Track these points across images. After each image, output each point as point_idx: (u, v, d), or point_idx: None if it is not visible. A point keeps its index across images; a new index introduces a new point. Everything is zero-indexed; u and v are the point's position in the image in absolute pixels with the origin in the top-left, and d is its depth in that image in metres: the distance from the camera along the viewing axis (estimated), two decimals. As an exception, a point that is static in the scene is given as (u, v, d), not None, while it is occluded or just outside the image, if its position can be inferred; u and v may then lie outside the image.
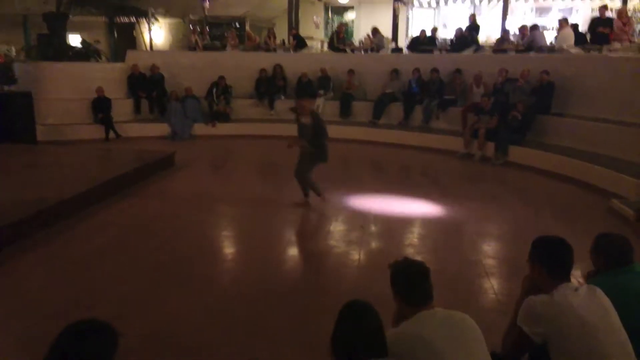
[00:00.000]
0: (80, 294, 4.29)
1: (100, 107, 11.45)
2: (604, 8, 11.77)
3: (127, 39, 18.10)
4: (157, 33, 19.06)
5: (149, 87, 12.48)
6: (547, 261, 2.46)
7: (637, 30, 15.99)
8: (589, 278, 2.81)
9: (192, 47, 13.97)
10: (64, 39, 14.23)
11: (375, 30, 14.21)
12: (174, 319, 3.91)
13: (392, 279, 2.38)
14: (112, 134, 11.35)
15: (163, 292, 4.34)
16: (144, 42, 17.89)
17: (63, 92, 11.71)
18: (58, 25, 13.73)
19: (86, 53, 14.75)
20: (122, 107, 12.07)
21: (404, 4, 18.11)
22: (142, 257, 5.11)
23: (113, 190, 7.05)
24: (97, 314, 1.95)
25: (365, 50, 14.24)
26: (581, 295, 2.34)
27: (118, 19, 16.28)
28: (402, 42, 17.21)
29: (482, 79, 11.00)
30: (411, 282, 2.32)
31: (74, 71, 12.22)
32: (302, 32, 16.23)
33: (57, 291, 4.35)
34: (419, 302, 2.28)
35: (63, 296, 4.24)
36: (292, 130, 11.90)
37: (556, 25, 13.26)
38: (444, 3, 19.93)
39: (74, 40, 16.92)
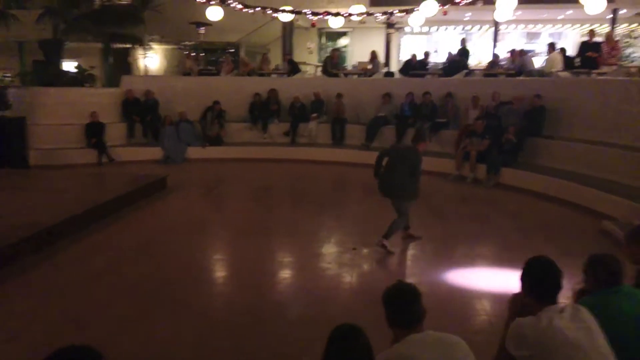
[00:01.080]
0: (70, 317, 4.25)
1: (94, 131, 11.48)
2: (592, 33, 12.01)
3: (122, 65, 18.24)
4: (152, 59, 19.24)
5: (143, 111, 12.55)
6: (534, 285, 2.47)
7: (624, 54, 16.33)
8: (578, 297, 2.81)
9: (187, 73, 14.09)
10: (59, 65, 14.34)
11: (373, 55, 14.36)
12: (163, 344, 3.87)
13: (383, 302, 2.38)
14: (105, 158, 11.36)
15: (153, 317, 4.30)
16: (139, 67, 18.05)
17: (57, 117, 11.75)
18: (54, 52, 13.85)
19: (81, 78, 14.86)
20: (115, 132, 12.11)
21: (396, 29, 18.41)
22: (133, 281, 5.07)
23: (105, 214, 7.03)
24: (87, 338, 1.94)
25: (359, 75, 14.41)
26: (566, 316, 2.33)
27: (113, 45, 16.44)
28: (395, 67, 17.46)
29: (480, 101, 11.06)
30: (400, 304, 2.32)
31: (68, 96, 12.27)
32: (296, 57, 16.44)
33: (48, 315, 4.30)
34: (409, 325, 2.28)
35: (54, 320, 4.20)
36: (284, 153, 12.05)
37: (545, 49, 13.50)
38: (435, 29, 20.28)
39: (69, 66, 17.06)
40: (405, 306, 2.31)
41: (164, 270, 5.38)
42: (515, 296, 2.68)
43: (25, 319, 4.24)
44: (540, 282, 2.45)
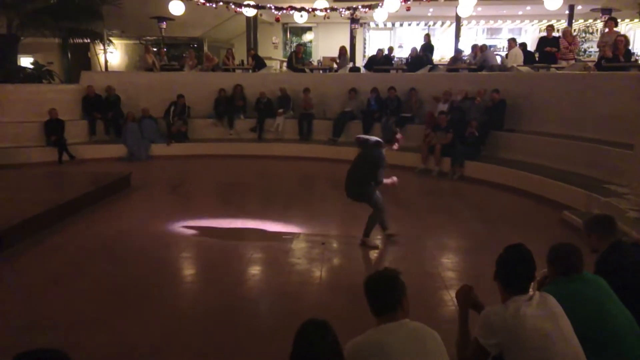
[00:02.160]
0: (33, 320, 4.13)
1: (54, 129, 11.15)
2: (550, 28, 12.32)
3: (82, 60, 17.75)
4: (113, 54, 18.80)
5: (104, 108, 12.26)
6: (505, 273, 2.51)
7: (581, 49, 16.84)
8: (540, 285, 2.89)
9: (149, 68, 13.82)
10: (15, 61, 13.87)
11: (342, 50, 14.32)
12: (132, 343, 3.80)
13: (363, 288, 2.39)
14: (65, 156, 11.04)
15: (120, 317, 4.22)
16: (99, 63, 17.60)
17: (14, 114, 11.36)
18: (9, 47, 13.39)
19: (38, 75, 14.40)
20: (76, 129, 11.79)
21: (361, 25, 18.49)
22: (98, 281, 4.96)
23: (67, 213, 6.84)
24: (51, 342, 1.89)
25: (324, 70, 14.42)
26: (534, 304, 2.38)
27: (72, 40, 15.98)
28: (360, 62, 17.54)
29: (451, 96, 11.15)
30: (375, 291, 2.33)
31: (26, 93, 11.89)
32: (261, 52, 16.34)
33: (9, 318, 4.17)
34: (382, 312, 2.29)
35: (16, 323, 4.07)
36: (251, 149, 11.97)
37: (506, 45, 13.79)
38: (399, 24, 20.47)
39: (27, 62, 16.50)
40: (377, 293, 2.32)
41: (129, 269, 5.28)
42: (463, 288, 2.79)
43: (-15, 323, 4.09)
44: (511, 271, 2.49)
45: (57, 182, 9.22)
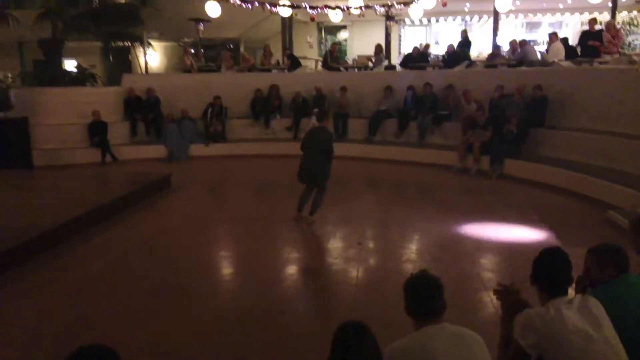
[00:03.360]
0: (78, 317, 4.28)
1: (97, 130, 11.49)
2: (593, 21, 11.95)
3: (123, 63, 18.23)
4: (152, 56, 19.22)
5: (145, 109, 12.57)
6: (544, 276, 2.48)
7: (626, 42, 16.26)
8: (579, 285, 2.83)
9: (187, 70, 14.08)
10: (59, 65, 14.33)
11: (378, 48, 14.29)
12: (171, 340, 3.90)
13: (404, 290, 2.38)
14: (108, 158, 11.37)
15: (161, 315, 4.33)
16: (139, 65, 18.03)
17: (59, 116, 11.75)
18: (54, 51, 13.84)
19: (82, 78, 14.85)
20: (118, 130, 12.12)
21: (396, 22, 18.34)
22: (140, 279, 5.10)
23: (110, 214, 7.05)
24: (95, 338, 1.96)
25: (359, 69, 14.38)
26: (575, 307, 2.35)
27: (113, 44, 16.43)
28: (395, 59, 17.40)
29: (472, 95, 11.05)
30: (422, 294, 2.31)
31: (70, 96, 12.28)
32: (296, 52, 16.41)
33: (55, 315, 4.33)
34: (427, 315, 2.28)
35: (62, 320, 4.22)
36: (287, 149, 12.05)
37: (546, 39, 13.43)
38: (435, 20, 20.21)
39: (70, 65, 17.05)
40: (426, 296, 2.30)
41: (169, 268, 5.40)
42: (506, 292, 2.74)
43: (33, 321, 4.26)
44: (551, 274, 2.46)
45: (100, 182, 9.51)
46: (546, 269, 2.49)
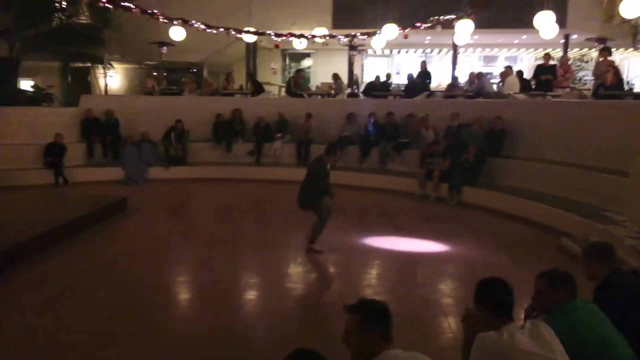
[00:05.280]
0: (28, 342, 4.07)
1: (54, 152, 11.13)
2: (547, 56, 12.50)
3: (82, 84, 17.86)
4: (113, 78, 18.94)
5: (103, 131, 12.30)
6: (493, 304, 2.55)
7: (577, 77, 17.04)
8: (527, 313, 2.89)
9: (149, 92, 13.91)
10: (15, 84, 13.94)
11: (336, 76, 14.58)
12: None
13: (367, 317, 2.35)
14: (61, 180, 11.02)
15: (113, 341, 4.16)
16: (99, 86, 17.72)
17: (13, 137, 11.36)
18: (10, 71, 13.48)
19: (38, 98, 14.46)
20: (74, 152, 11.77)
21: (359, 52, 18.72)
22: (95, 305, 4.90)
23: (62, 236, 6.78)
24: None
25: (322, 95, 14.54)
26: (526, 331, 2.41)
27: (73, 64, 16.12)
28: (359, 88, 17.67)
29: (429, 122, 11.31)
30: (384, 317, 2.33)
31: (25, 116, 11.92)
32: (260, 77, 16.48)
33: (6, 342, 4.10)
34: (388, 338, 2.28)
35: (11, 347, 4.00)
36: (249, 173, 11.99)
37: (502, 72, 13.93)
38: (397, 51, 20.73)
39: (26, 85, 16.60)
40: (385, 322, 2.31)
41: (127, 293, 5.22)
42: (467, 314, 2.80)
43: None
44: (498, 301, 2.55)
45: (52, 204, 9.18)
46: (495, 295, 2.57)
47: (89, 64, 16.23)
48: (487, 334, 2.42)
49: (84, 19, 15.08)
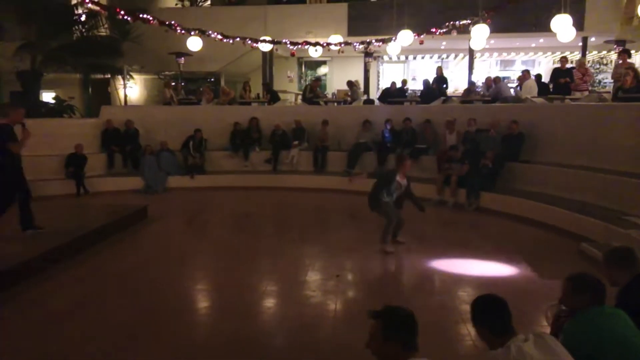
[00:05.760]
0: (46, 352, 4.14)
1: (75, 163, 11.34)
2: (564, 59, 12.38)
3: (102, 95, 18.20)
4: (132, 89, 19.24)
5: (123, 141, 12.51)
6: (494, 322, 2.52)
7: (596, 80, 16.85)
8: (557, 320, 2.86)
9: (168, 102, 14.12)
10: (37, 96, 14.26)
11: (351, 83, 14.61)
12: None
13: (393, 320, 2.38)
14: (82, 190, 11.20)
15: (137, 351, 4.22)
16: (119, 97, 18.02)
17: (35, 148, 11.53)
18: (32, 83, 13.79)
19: (59, 109, 14.77)
20: (95, 162, 11.99)
21: (375, 58, 18.75)
22: (116, 314, 4.97)
23: (84, 246, 6.91)
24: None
25: (339, 102, 14.59)
26: (532, 343, 2.39)
27: (93, 76, 16.44)
28: (374, 94, 17.72)
29: (454, 125, 11.27)
30: (412, 328, 2.37)
31: (47, 127, 12.15)
32: (277, 86, 16.60)
33: (22, 350, 4.18)
34: (413, 348, 2.32)
35: (28, 356, 4.08)
36: (266, 181, 12.06)
37: (520, 76, 13.84)
38: (412, 57, 20.70)
39: (48, 97, 16.94)
40: (411, 331, 2.35)
41: (146, 302, 5.29)
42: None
43: (2, 355, 4.11)
44: (498, 318, 2.52)
45: (74, 214, 9.33)
46: (495, 313, 2.54)
47: (108, 76, 16.57)
48: (496, 352, 2.42)
49: (103, 31, 15.39)
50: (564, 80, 11.62)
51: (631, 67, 10.38)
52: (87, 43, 14.79)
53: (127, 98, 17.46)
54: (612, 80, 12.18)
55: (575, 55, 16.94)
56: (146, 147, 12.16)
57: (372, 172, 7.18)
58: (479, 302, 2.61)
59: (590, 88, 12.51)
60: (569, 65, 12.23)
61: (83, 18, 14.63)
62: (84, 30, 14.91)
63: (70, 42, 14.62)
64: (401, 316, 2.38)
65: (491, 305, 2.57)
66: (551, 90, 12.09)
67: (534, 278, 5.86)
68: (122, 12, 10.94)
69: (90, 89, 17.63)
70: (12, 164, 6.55)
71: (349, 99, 14.44)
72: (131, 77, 17.71)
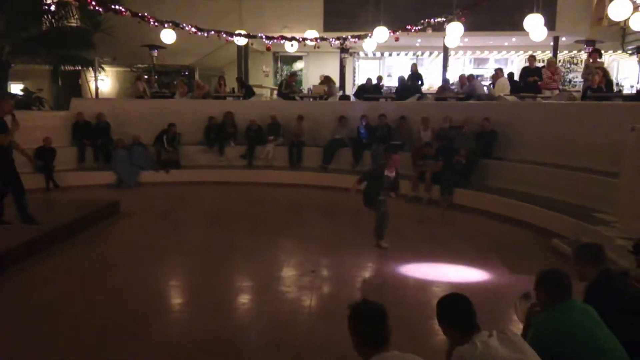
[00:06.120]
0: (17, 351, 4.04)
1: (44, 156, 11.06)
2: (532, 58, 12.59)
3: (72, 87, 17.77)
4: (104, 81, 18.85)
5: (94, 135, 12.26)
6: (460, 320, 2.55)
7: (566, 79, 17.19)
8: (530, 315, 2.91)
9: (140, 96, 13.87)
10: (5, 88, 13.85)
11: (327, 79, 14.59)
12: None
13: (353, 320, 2.40)
14: (51, 184, 10.94)
15: (105, 347, 4.14)
16: (90, 90, 17.64)
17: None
18: (-1, 75, 13.41)
19: (28, 101, 14.39)
20: (65, 155, 11.72)
21: (350, 54, 18.75)
22: (83, 311, 4.87)
23: (54, 241, 6.75)
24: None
25: (314, 98, 14.56)
26: (496, 339, 2.43)
27: (63, 68, 16.04)
28: (349, 90, 17.74)
29: (429, 122, 11.36)
30: (371, 323, 2.36)
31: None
32: (252, 80, 16.47)
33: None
34: (379, 345, 2.31)
35: (2, 356, 3.97)
36: (241, 176, 11.97)
37: (493, 74, 14.03)
38: (388, 54, 20.79)
39: (16, 89, 16.49)
40: (376, 325, 2.34)
41: (118, 298, 5.20)
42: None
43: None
44: (462, 317, 2.54)
45: (43, 209, 9.09)
46: (460, 312, 2.56)
47: (79, 67, 16.17)
48: (464, 348, 2.44)
49: (74, 22, 15.03)
50: (532, 78, 11.82)
51: (600, 67, 10.62)
52: (57, 34, 14.40)
53: (99, 91, 17.09)
54: (582, 80, 12.44)
55: (547, 55, 17.26)
56: (118, 141, 11.94)
57: (366, 170, 7.00)
58: (444, 302, 2.65)
59: (560, 87, 12.76)
60: (538, 64, 12.43)
61: (53, 8, 14.24)
62: (53, 20, 14.53)
63: (39, 33, 14.23)
64: (364, 310, 2.39)
65: (455, 304, 2.60)
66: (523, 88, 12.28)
67: (506, 274, 5.96)
68: (94, 3, 10.70)
69: (60, 81, 17.19)
70: (5, 157, 6.44)
71: (325, 95, 14.41)
72: (102, 69, 17.34)
